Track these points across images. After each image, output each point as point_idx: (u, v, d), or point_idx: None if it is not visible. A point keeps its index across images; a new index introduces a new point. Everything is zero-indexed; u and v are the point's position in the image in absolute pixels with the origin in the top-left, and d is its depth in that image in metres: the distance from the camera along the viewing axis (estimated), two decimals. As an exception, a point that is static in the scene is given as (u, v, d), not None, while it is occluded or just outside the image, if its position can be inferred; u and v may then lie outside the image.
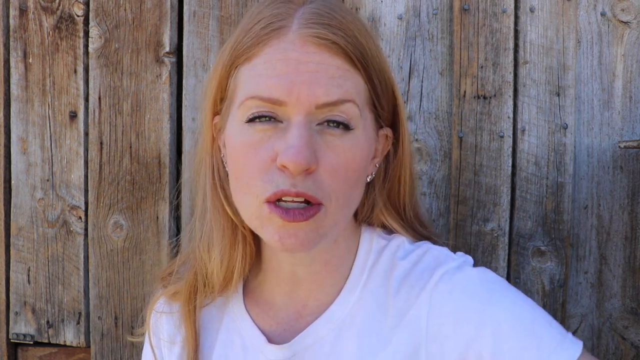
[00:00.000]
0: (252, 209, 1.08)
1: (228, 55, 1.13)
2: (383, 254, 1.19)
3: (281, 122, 1.07)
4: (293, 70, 1.05)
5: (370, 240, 1.21)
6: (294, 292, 1.20)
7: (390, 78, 1.16)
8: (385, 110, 1.16)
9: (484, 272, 1.14)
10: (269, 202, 1.06)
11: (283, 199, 1.05)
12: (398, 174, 1.22)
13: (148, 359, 1.30)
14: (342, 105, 1.07)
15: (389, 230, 1.24)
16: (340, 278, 1.19)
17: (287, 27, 1.08)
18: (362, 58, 1.10)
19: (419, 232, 1.25)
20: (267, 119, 1.07)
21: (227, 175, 1.17)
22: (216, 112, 1.17)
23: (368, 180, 1.17)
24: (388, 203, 1.22)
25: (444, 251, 1.19)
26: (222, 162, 1.18)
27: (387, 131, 1.18)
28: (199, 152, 1.23)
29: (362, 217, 1.22)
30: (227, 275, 1.19)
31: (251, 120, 1.08)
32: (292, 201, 1.05)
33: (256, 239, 1.19)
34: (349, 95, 1.08)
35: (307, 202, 1.06)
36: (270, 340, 1.18)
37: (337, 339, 1.16)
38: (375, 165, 1.18)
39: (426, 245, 1.21)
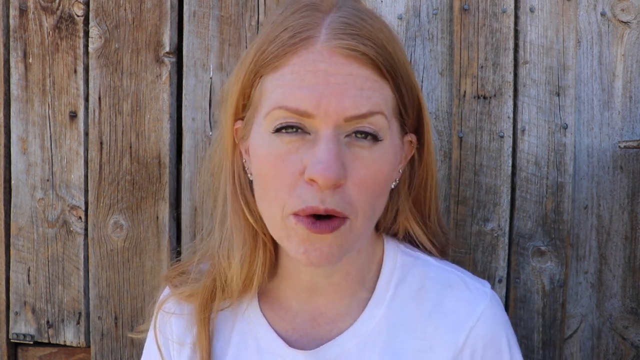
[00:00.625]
0: (278, 221, 1.08)
1: (252, 63, 1.10)
2: (410, 271, 1.19)
3: (309, 133, 1.05)
4: (322, 82, 1.04)
5: (395, 256, 1.21)
6: (312, 300, 1.19)
7: (416, 85, 1.15)
8: (411, 117, 1.15)
9: (508, 326, 1.20)
10: (296, 214, 1.05)
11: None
12: (424, 179, 1.22)
13: (153, 356, 1.28)
14: (371, 117, 1.05)
15: (411, 241, 1.24)
16: (360, 289, 1.19)
17: (316, 38, 1.06)
18: (391, 68, 1.08)
19: (439, 239, 1.25)
20: (294, 129, 1.06)
21: (249, 182, 1.16)
22: (237, 118, 1.16)
23: (392, 187, 1.16)
24: (414, 209, 1.22)
25: (473, 283, 1.20)
26: (244, 168, 1.17)
27: (411, 137, 1.17)
28: (218, 156, 1.22)
29: (385, 225, 1.21)
30: (247, 281, 1.18)
31: (278, 130, 1.06)
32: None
33: (275, 245, 1.18)
34: (378, 107, 1.06)
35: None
36: (288, 344, 1.18)
37: (361, 353, 1.16)
38: (399, 171, 1.17)
39: (452, 267, 1.22)
